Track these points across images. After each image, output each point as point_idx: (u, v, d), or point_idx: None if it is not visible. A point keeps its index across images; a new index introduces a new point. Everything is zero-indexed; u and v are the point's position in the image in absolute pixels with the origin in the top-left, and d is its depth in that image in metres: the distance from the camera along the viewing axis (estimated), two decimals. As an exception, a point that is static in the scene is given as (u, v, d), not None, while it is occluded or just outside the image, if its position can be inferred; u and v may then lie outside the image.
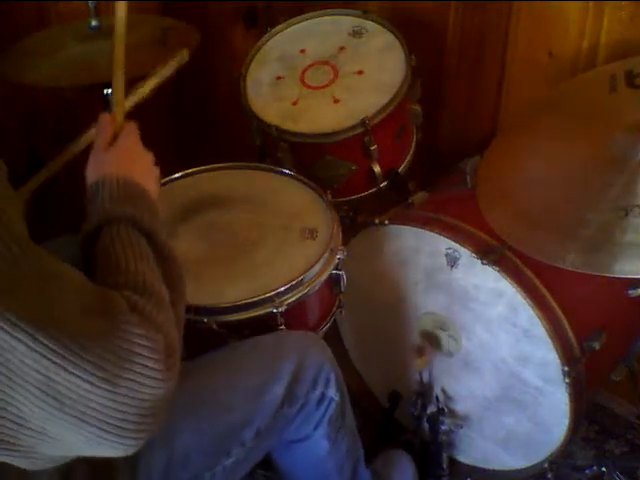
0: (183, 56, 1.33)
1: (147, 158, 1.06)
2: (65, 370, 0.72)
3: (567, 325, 1.29)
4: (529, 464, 1.46)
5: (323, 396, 1.21)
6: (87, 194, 0.96)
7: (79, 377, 0.73)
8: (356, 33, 1.71)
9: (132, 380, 0.75)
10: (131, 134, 1.06)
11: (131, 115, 1.25)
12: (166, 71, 1.31)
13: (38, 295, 0.74)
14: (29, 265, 0.75)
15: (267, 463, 1.31)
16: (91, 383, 0.73)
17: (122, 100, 1.10)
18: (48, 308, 0.73)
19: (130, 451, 0.79)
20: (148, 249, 0.91)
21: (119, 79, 1.10)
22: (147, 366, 0.76)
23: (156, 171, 1.06)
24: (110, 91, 1.24)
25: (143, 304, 0.81)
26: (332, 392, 1.22)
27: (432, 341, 1.49)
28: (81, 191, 1.00)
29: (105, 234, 0.90)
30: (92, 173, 0.99)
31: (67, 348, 0.72)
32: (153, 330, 0.78)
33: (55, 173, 1.11)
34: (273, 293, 1.25)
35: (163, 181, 1.53)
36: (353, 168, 1.60)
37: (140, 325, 0.77)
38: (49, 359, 0.71)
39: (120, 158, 1.00)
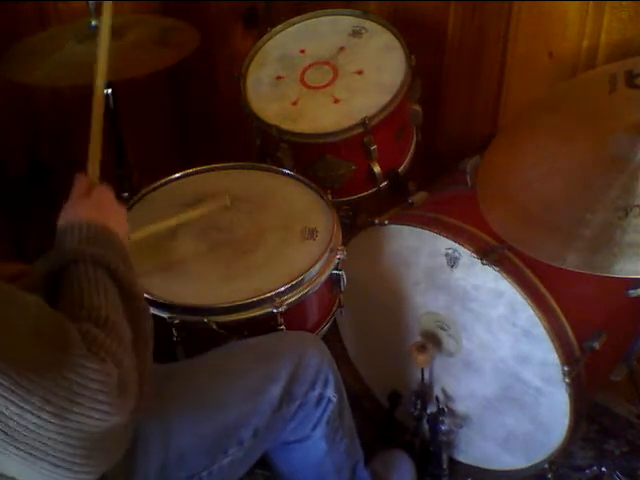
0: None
1: (120, 212, 1.06)
2: (13, 404, 0.71)
3: (567, 325, 1.29)
4: (529, 464, 1.46)
5: (321, 396, 1.22)
6: (57, 235, 0.96)
7: (28, 411, 0.72)
8: (356, 33, 1.71)
9: (82, 414, 0.74)
10: (106, 189, 1.07)
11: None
12: (188, 216, 1.38)
13: None
14: None
15: (266, 463, 1.31)
16: (40, 417, 0.73)
17: (97, 160, 1.11)
18: None
19: None
20: (113, 289, 0.90)
21: (96, 139, 1.13)
22: (98, 400, 0.75)
23: (126, 225, 1.06)
24: (110, 91, 1.25)
25: (102, 338, 0.80)
26: (330, 393, 1.22)
27: (432, 341, 1.49)
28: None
29: (71, 271, 0.89)
30: (64, 218, 0.99)
31: (15, 382, 0.71)
32: (107, 364, 0.78)
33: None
34: (273, 293, 1.25)
35: (163, 181, 1.53)
36: (353, 168, 1.60)
37: (94, 359, 0.76)
38: None
39: (93, 207, 1.01)
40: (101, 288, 0.88)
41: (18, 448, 0.73)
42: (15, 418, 0.72)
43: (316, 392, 1.20)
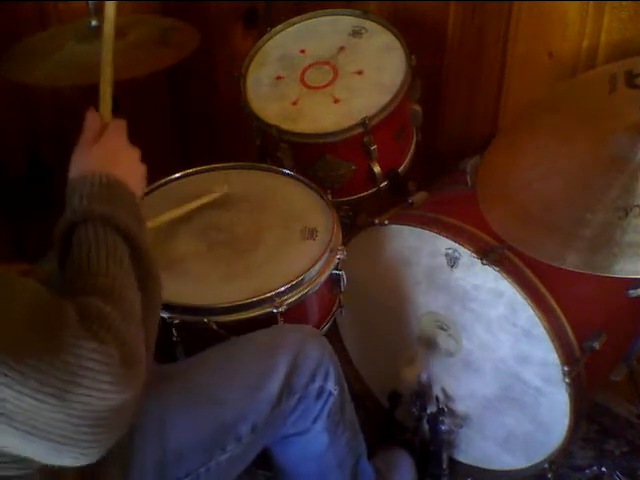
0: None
1: (133, 155, 1.03)
2: (10, 388, 0.71)
3: (567, 325, 1.29)
4: (529, 464, 1.46)
5: (322, 389, 1.21)
6: (67, 189, 0.94)
7: (25, 394, 0.72)
8: (356, 33, 1.71)
9: (82, 394, 0.74)
10: (117, 131, 1.04)
11: (131, 115, 1.25)
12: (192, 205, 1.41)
13: None
14: None
15: (267, 462, 1.31)
16: (38, 400, 0.72)
17: (109, 97, 1.09)
18: None
19: (89, 459, 0.78)
20: (124, 249, 0.88)
21: (107, 76, 1.10)
22: (98, 379, 0.75)
23: (142, 168, 1.03)
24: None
25: (107, 312, 0.79)
26: (331, 385, 1.22)
27: (432, 341, 1.49)
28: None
29: (79, 232, 0.88)
30: (74, 169, 0.96)
31: (11, 367, 0.71)
32: (108, 344, 0.77)
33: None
34: (273, 293, 1.25)
35: (163, 181, 1.53)
36: (353, 168, 1.60)
37: (91, 339, 0.76)
38: None
39: (104, 155, 0.97)
40: (110, 251, 0.86)
41: (19, 429, 0.73)
42: (13, 401, 0.72)
43: (316, 385, 1.19)
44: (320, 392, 1.21)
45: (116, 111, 1.09)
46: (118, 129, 1.04)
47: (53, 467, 0.88)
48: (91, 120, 1.04)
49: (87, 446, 0.76)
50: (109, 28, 1.12)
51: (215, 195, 1.44)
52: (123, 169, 0.97)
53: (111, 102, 1.08)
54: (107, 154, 0.98)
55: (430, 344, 1.49)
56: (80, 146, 1.00)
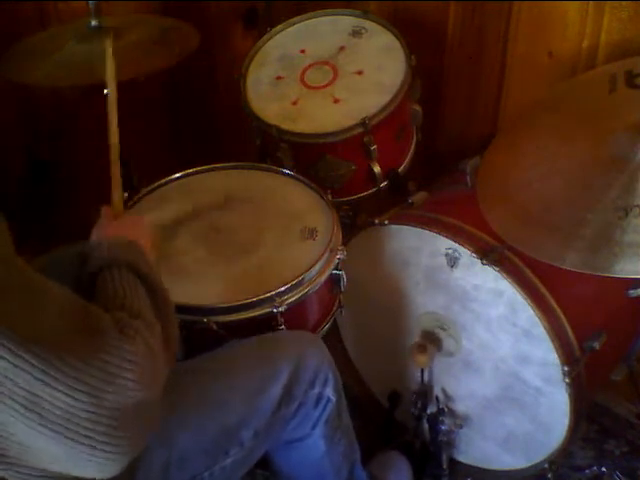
0: None
1: (146, 229, 1.13)
2: (48, 385, 0.74)
3: (567, 325, 1.29)
4: (529, 464, 1.46)
5: (321, 396, 1.22)
6: (89, 250, 1.01)
7: (62, 392, 0.74)
8: (356, 33, 1.71)
9: (115, 393, 0.77)
10: (134, 216, 1.18)
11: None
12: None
13: (21, 311, 0.75)
14: (13, 282, 0.76)
15: (266, 463, 1.31)
16: (74, 398, 0.75)
17: (120, 192, 1.18)
18: (31, 324, 0.75)
19: (112, 470, 0.80)
20: (142, 288, 0.96)
21: (116, 172, 1.19)
22: (130, 379, 0.78)
23: (153, 241, 1.12)
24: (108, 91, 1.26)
25: (136, 325, 0.85)
26: (330, 392, 1.23)
27: (432, 341, 1.49)
28: (79, 191, 1.01)
29: (104, 274, 0.95)
30: (95, 236, 1.07)
31: (49, 363, 0.73)
32: (140, 345, 0.81)
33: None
34: (273, 293, 1.25)
35: (163, 181, 1.53)
36: (353, 168, 1.60)
37: (127, 341, 0.80)
38: (30, 374, 0.73)
39: (121, 226, 1.10)
40: (132, 287, 0.94)
41: (53, 430, 0.75)
42: (49, 399, 0.74)
43: (315, 391, 1.21)
44: (319, 398, 1.22)
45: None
46: (135, 215, 1.19)
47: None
48: (105, 212, 1.14)
49: (112, 451, 0.78)
50: (114, 137, 1.22)
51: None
52: (136, 236, 1.06)
53: (122, 198, 1.18)
54: (123, 226, 1.10)
55: (433, 341, 1.49)
56: (99, 223, 1.11)
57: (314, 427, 1.24)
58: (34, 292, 0.78)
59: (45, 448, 0.78)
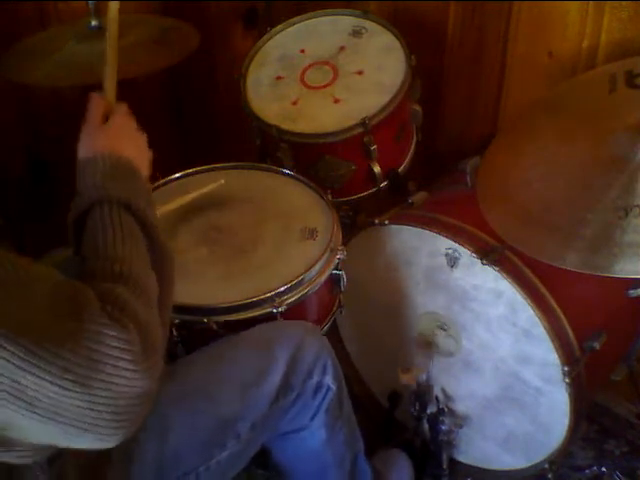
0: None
1: (140, 138, 1.04)
2: (32, 374, 0.72)
3: (567, 325, 1.29)
4: (529, 464, 1.46)
5: (320, 384, 1.20)
6: (77, 170, 0.94)
7: (47, 381, 0.72)
8: (356, 33, 1.71)
9: (104, 381, 0.74)
10: (124, 113, 1.04)
11: (132, 114, 1.25)
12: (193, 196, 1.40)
13: (3, 300, 0.73)
14: (5, 275, 0.74)
15: (266, 462, 1.31)
16: (60, 386, 0.73)
17: (113, 82, 1.08)
18: (12, 313, 0.72)
19: (111, 444, 0.78)
20: (140, 233, 0.90)
21: (112, 61, 1.10)
22: (120, 366, 0.75)
23: (149, 153, 1.04)
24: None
25: (127, 297, 0.80)
26: (329, 380, 1.21)
27: (432, 341, 1.49)
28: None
29: (95, 214, 0.88)
30: (83, 149, 0.96)
31: (32, 353, 0.71)
32: (129, 330, 0.77)
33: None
34: (273, 293, 1.25)
35: (163, 181, 1.53)
36: (353, 168, 1.60)
37: (113, 326, 0.76)
38: (14, 364, 0.71)
39: (112, 135, 0.97)
40: (126, 233, 0.87)
41: (41, 415, 0.73)
42: (34, 387, 0.72)
43: (314, 380, 1.19)
44: (318, 387, 1.20)
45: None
46: (124, 112, 1.04)
47: (56, 462, 0.90)
48: (95, 104, 1.03)
49: (108, 432, 0.76)
50: (114, 12, 1.13)
51: (212, 186, 1.43)
52: (132, 150, 0.97)
53: (116, 87, 1.07)
54: (115, 136, 0.98)
55: (430, 344, 1.49)
56: (86, 128, 1.00)
57: (313, 417, 1.22)
58: (17, 279, 0.75)
59: (39, 430, 0.76)
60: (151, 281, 0.87)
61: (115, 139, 0.97)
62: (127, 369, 0.75)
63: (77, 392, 0.73)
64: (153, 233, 0.92)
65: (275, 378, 1.14)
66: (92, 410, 0.74)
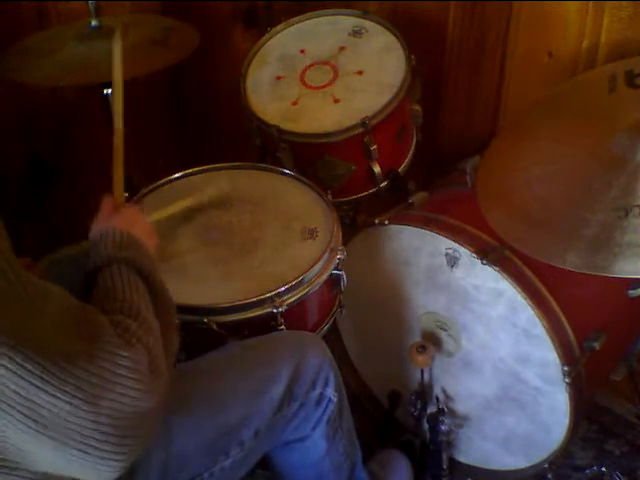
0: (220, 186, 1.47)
1: (148, 226, 1.12)
2: (46, 392, 0.73)
3: (567, 325, 1.29)
4: (529, 464, 1.46)
5: (322, 396, 1.22)
6: (91, 244, 1.02)
7: (60, 399, 0.74)
8: (356, 33, 1.71)
9: (113, 400, 0.76)
10: (133, 207, 1.15)
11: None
12: (201, 197, 1.42)
13: (18, 318, 0.74)
14: (10, 289, 0.76)
15: (267, 463, 1.31)
16: (72, 405, 0.74)
17: (121, 183, 1.17)
18: (28, 331, 0.74)
19: (112, 474, 0.79)
20: (143, 286, 0.96)
21: (119, 163, 1.18)
22: (128, 386, 0.78)
23: (155, 239, 1.12)
24: (110, 91, 1.26)
25: (135, 327, 0.84)
26: (330, 392, 1.23)
27: (432, 341, 1.49)
28: (79, 191, 1.01)
29: (105, 272, 0.95)
30: (94, 231, 1.05)
31: (47, 370, 0.73)
32: (138, 351, 0.81)
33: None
34: (273, 293, 1.25)
35: (163, 181, 1.53)
36: (353, 168, 1.60)
37: (125, 347, 0.79)
38: (29, 381, 0.72)
39: (123, 219, 1.07)
40: (133, 286, 0.93)
41: (50, 437, 0.75)
42: (47, 406, 0.74)
43: (317, 391, 1.21)
44: (320, 399, 1.22)
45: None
46: (133, 207, 1.16)
47: None
48: (107, 202, 1.13)
49: (113, 458, 0.78)
50: (119, 122, 1.20)
51: (212, 192, 1.44)
52: (139, 232, 1.05)
53: (124, 185, 1.16)
54: (125, 220, 1.07)
55: (433, 341, 1.49)
56: (98, 216, 1.09)
57: (315, 427, 1.23)
58: (32, 298, 0.77)
59: (44, 454, 0.78)
60: (155, 324, 0.91)
61: (126, 222, 1.06)
62: (135, 389, 0.78)
63: (87, 411, 0.75)
64: (157, 287, 0.98)
65: (279, 387, 1.15)
66: (98, 432, 0.76)
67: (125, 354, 0.78)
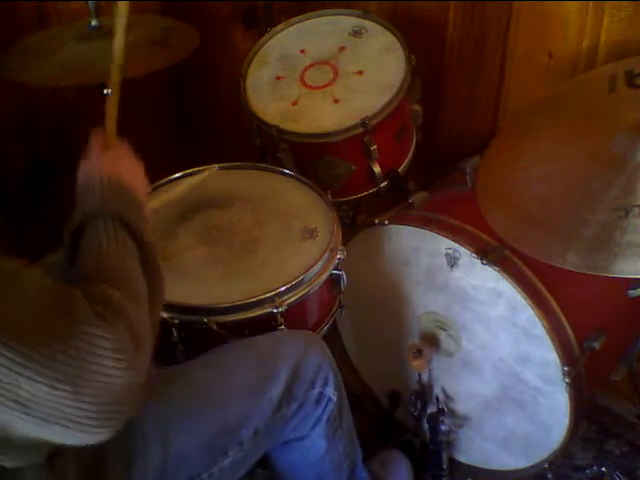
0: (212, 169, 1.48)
1: (138, 168, 1.07)
2: (24, 376, 0.73)
3: (567, 325, 1.29)
4: (529, 464, 1.46)
5: (321, 395, 1.21)
6: (77, 192, 0.98)
7: (40, 382, 0.73)
8: (356, 33, 1.71)
9: (96, 380, 0.76)
10: (123, 147, 1.09)
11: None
12: (194, 181, 1.40)
13: None
14: None
15: (267, 463, 1.31)
16: (52, 387, 0.74)
17: (114, 120, 1.12)
18: (4, 315, 0.74)
19: (99, 440, 0.79)
20: (132, 245, 0.93)
21: (113, 95, 1.13)
22: (108, 365, 0.77)
23: (146, 182, 1.08)
24: (110, 91, 1.26)
25: (117, 297, 0.82)
26: (330, 391, 1.22)
27: (432, 341, 1.49)
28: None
29: (91, 228, 0.92)
30: (83, 174, 1.01)
31: (25, 355, 0.72)
32: (119, 329, 0.79)
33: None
34: (273, 293, 1.25)
35: (163, 181, 1.53)
36: (353, 168, 1.60)
37: (103, 327, 0.78)
38: (6, 367, 0.72)
39: (112, 162, 1.02)
40: (120, 245, 0.90)
41: (32, 415, 0.75)
42: (28, 389, 0.73)
43: (316, 391, 1.20)
44: (319, 398, 1.21)
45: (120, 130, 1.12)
46: (123, 146, 1.09)
47: (57, 466, 0.90)
48: (96, 138, 1.08)
49: (96, 431, 0.78)
50: (118, 54, 1.15)
51: (205, 175, 1.43)
52: (129, 177, 1.01)
53: (116, 126, 1.11)
54: (114, 163, 1.02)
55: (433, 341, 1.49)
56: (87, 157, 1.04)
57: (314, 427, 1.23)
58: (5, 281, 0.77)
59: (29, 430, 0.77)
60: (142, 287, 0.89)
61: (114, 166, 1.01)
62: (115, 367, 0.77)
63: (67, 392, 0.74)
64: (147, 249, 0.95)
65: (278, 387, 1.15)
66: (80, 409, 0.76)
67: (104, 334, 0.77)
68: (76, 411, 0.75)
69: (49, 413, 0.75)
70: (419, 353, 1.45)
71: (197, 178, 1.41)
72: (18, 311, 0.75)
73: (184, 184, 1.40)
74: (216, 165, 1.49)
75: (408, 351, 1.46)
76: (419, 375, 1.49)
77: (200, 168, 1.50)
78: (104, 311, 0.80)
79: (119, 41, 1.15)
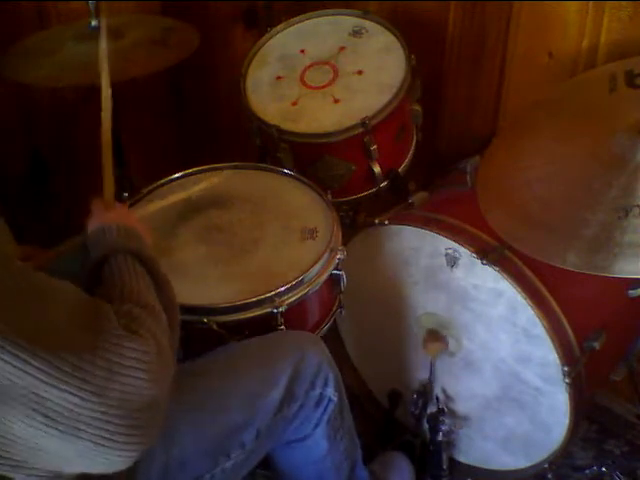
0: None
1: (140, 223, 1.12)
2: (54, 387, 0.74)
3: (567, 325, 1.29)
4: (529, 464, 1.46)
5: (321, 396, 1.22)
6: (89, 240, 1.03)
7: (69, 392, 0.74)
8: (356, 33, 1.71)
9: (122, 391, 0.77)
10: (123, 206, 1.17)
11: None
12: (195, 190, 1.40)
13: (24, 314, 0.75)
14: (15, 284, 0.77)
15: (267, 463, 1.31)
16: (81, 397, 0.75)
17: (111, 184, 1.16)
18: (34, 326, 0.75)
19: (123, 464, 0.80)
20: (146, 276, 0.97)
21: (108, 165, 1.17)
22: (135, 376, 0.78)
23: (150, 236, 1.12)
24: (110, 92, 1.26)
25: (143, 315, 0.85)
26: (330, 392, 1.23)
27: (439, 338, 1.49)
28: (79, 191, 1.01)
29: (109, 262, 0.96)
30: (94, 225, 1.06)
31: (54, 366, 0.73)
32: (146, 341, 0.81)
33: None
34: (273, 293, 1.25)
35: (163, 181, 1.53)
36: (353, 168, 1.60)
37: (131, 338, 0.80)
38: (36, 377, 0.73)
39: (117, 216, 1.08)
40: (139, 275, 0.95)
41: (59, 429, 0.75)
42: (55, 400, 0.74)
43: (316, 392, 1.21)
44: (320, 399, 1.22)
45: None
46: (124, 206, 1.18)
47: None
48: (97, 204, 1.13)
49: (122, 448, 0.78)
50: (106, 125, 1.18)
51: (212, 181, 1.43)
52: (133, 224, 1.07)
53: (114, 187, 1.16)
54: (119, 216, 1.08)
55: (437, 338, 1.49)
56: (94, 213, 1.09)
57: (315, 427, 1.23)
58: (37, 293, 0.78)
59: (52, 447, 0.78)
60: (162, 315, 0.92)
61: (121, 216, 1.08)
62: (143, 378, 0.79)
63: (94, 402, 0.76)
64: (159, 276, 0.99)
65: (279, 388, 1.15)
66: (108, 422, 0.77)
67: (132, 345, 0.79)
68: (105, 424, 0.76)
69: (78, 427, 0.75)
70: (436, 338, 1.45)
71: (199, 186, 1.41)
72: (49, 323, 0.76)
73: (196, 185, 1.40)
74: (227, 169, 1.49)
75: (425, 334, 1.46)
76: (431, 365, 1.48)
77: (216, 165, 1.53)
78: (131, 325, 0.82)
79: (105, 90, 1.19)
